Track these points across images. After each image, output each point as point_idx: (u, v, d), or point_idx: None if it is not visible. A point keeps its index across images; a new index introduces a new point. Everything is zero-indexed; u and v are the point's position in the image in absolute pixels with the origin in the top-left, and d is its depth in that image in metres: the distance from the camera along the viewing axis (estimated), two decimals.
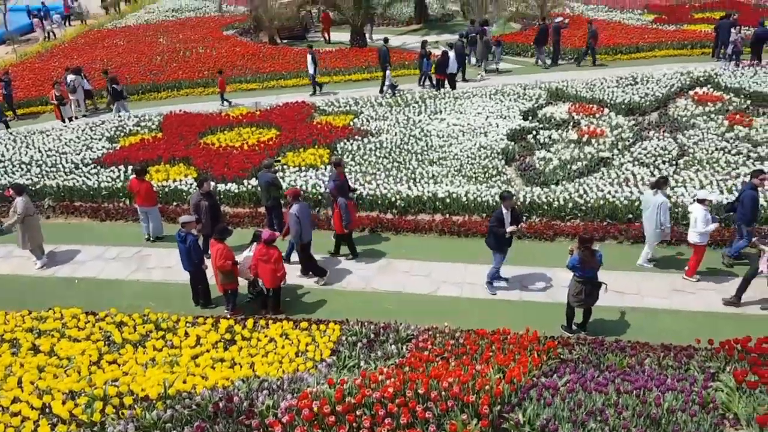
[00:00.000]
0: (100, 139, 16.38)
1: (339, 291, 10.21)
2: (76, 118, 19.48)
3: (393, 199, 12.36)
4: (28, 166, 14.85)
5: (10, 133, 17.55)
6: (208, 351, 8.31)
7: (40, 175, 14.34)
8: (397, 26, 30.72)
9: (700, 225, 9.51)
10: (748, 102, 16.36)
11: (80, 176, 14.07)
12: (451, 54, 19.48)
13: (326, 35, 28.19)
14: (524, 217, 11.33)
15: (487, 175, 13.16)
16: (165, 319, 9.14)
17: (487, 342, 8.11)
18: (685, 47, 22.80)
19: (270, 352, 8.21)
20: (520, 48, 24.21)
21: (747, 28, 22.78)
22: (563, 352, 7.99)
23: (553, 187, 12.45)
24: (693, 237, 9.71)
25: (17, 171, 14.66)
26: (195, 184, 13.00)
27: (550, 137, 14.81)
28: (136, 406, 7.05)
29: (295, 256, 10.72)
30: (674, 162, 13.31)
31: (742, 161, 13.04)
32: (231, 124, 16.98)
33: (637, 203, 11.48)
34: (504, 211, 9.44)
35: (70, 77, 19.56)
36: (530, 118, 16.39)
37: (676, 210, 11.10)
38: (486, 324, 8.69)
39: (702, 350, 7.90)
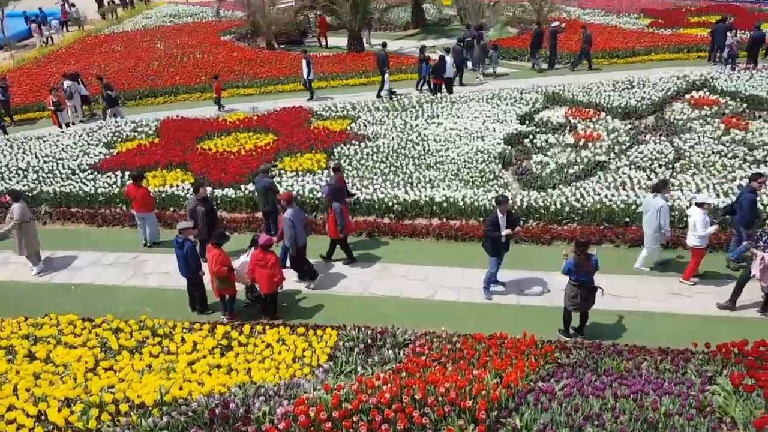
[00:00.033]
0: (97, 145, 16.36)
1: (336, 296, 10.20)
2: (73, 123, 19.48)
3: (390, 203, 12.37)
4: (25, 172, 14.83)
5: (7, 139, 17.53)
6: (204, 357, 8.30)
7: (36, 181, 14.32)
8: (394, 31, 30.80)
9: (699, 228, 9.53)
10: (744, 105, 16.42)
11: (77, 182, 14.05)
12: (448, 58, 19.57)
13: (323, 40, 28.25)
14: (521, 221, 11.34)
15: (484, 179, 13.18)
16: (162, 325, 9.12)
17: (484, 346, 8.10)
18: (681, 51, 22.88)
19: (267, 357, 8.20)
20: (517, 52, 24.28)
21: (743, 31, 22.88)
22: (560, 357, 7.98)
23: (550, 191, 12.47)
24: (692, 240, 9.72)
25: (14, 177, 14.64)
26: (192, 189, 12.98)
27: (546, 141, 14.84)
28: (132, 413, 7.03)
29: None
30: (671, 165, 13.33)
31: (738, 164, 13.07)
32: (228, 129, 16.99)
33: (633, 207, 11.50)
34: (499, 215, 9.44)
35: (67, 83, 19.57)
36: (527, 122, 16.43)
37: (673, 213, 11.11)
38: (483, 328, 8.68)
39: (699, 354, 7.89)
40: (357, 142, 15.25)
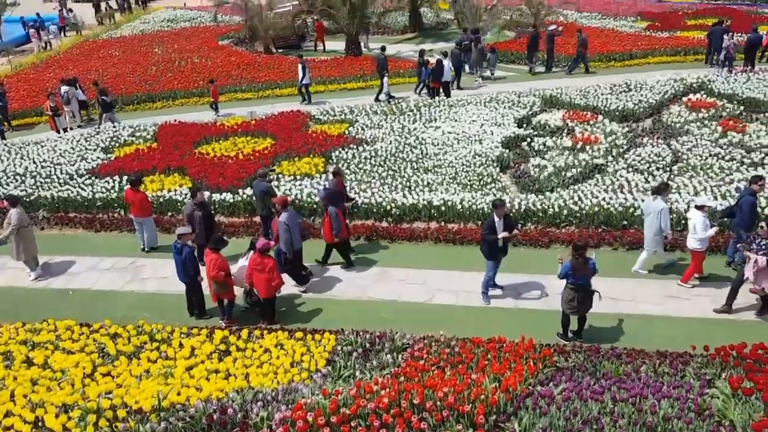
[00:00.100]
0: (94, 150, 16.36)
1: (334, 300, 10.19)
2: (71, 128, 19.47)
3: (388, 207, 12.37)
4: (23, 177, 14.82)
5: (5, 144, 17.52)
6: (202, 362, 8.27)
7: (34, 186, 14.31)
8: (391, 35, 30.83)
9: (699, 231, 9.54)
10: (742, 108, 16.46)
11: (75, 187, 14.04)
12: (446, 62, 19.59)
13: (320, 44, 28.27)
14: (519, 225, 11.34)
15: (482, 182, 13.18)
16: (159, 330, 9.10)
17: (482, 350, 8.08)
18: (678, 54, 22.93)
19: (265, 362, 8.18)
20: (514, 56, 24.32)
21: (740, 34, 22.94)
22: (559, 360, 7.98)
23: (547, 194, 12.47)
24: (692, 243, 9.73)
25: (12, 182, 14.63)
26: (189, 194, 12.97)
27: (544, 144, 14.85)
28: (129, 419, 7.01)
29: None
30: (668, 168, 13.35)
31: (735, 167, 13.09)
32: (226, 133, 16.99)
33: (631, 210, 11.51)
34: (496, 219, 9.44)
35: (64, 88, 19.56)
36: (525, 125, 16.44)
37: (671, 216, 11.10)
38: (482, 332, 8.67)
39: (698, 357, 7.89)
40: (355, 146, 15.26)
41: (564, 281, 8.55)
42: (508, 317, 9.41)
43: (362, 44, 26.93)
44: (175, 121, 18.30)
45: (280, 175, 13.97)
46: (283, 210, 10.09)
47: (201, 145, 16.23)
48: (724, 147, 14.02)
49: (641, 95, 17.63)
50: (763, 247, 8.70)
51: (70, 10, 36.78)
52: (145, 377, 7.97)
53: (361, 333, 8.80)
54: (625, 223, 11.48)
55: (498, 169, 13.80)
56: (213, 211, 12.20)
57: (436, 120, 17.00)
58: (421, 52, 20.68)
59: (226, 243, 9.84)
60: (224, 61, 25.58)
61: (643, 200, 11.35)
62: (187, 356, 8.43)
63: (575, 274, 8.30)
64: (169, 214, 13.12)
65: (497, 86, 20.85)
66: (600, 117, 16.46)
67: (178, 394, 7.40)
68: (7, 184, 14.52)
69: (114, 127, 18.19)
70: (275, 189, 12.24)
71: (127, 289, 10.78)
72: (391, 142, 15.52)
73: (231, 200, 13.07)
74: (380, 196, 12.63)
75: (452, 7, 31.21)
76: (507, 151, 14.73)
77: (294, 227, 10.04)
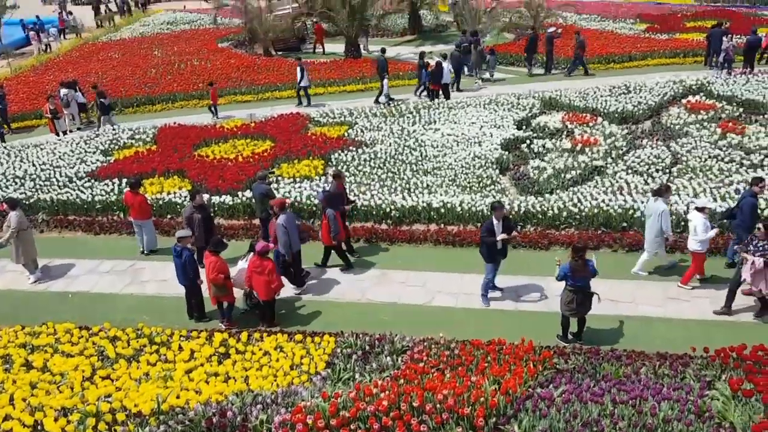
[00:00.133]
0: (94, 153, 16.37)
1: (334, 302, 10.18)
2: (71, 131, 19.48)
3: (388, 209, 12.36)
4: (22, 180, 14.83)
5: (4, 147, 17.53)
6: (202, 365, 8.26)
7: (33, 189, 14.31)
8: (391, 37, 30.88)
9: (700, 233, 9.53)
10: (741, 110, 16.46)
11: (74, 190, 14.04)
12: (446, 64, 19.62)
13: (320, 46, 28.29)
14: (519, 227, 11.33)
15: (481, 184, 13.19)
16: (159, 333, 9.09)
17: (482, 353, 8.07)
18: (677, 56, 22.95)
19: (264, 365, 8.17)
20: (514, 58, 24.34)
21: (739, 36, 22.96)
22: (559, 362, 7.96)
23: (547, 196, 12.47)
24: (693, 245, 9.72)
25: (11, 185, 14.64)
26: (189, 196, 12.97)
27: (544, 146, 14.86)
28: (129, 422, 7.00)
29: None
30: (667, 170, 13.35)
31: (735, 169, 13.09)
32: (226, 136, 17.00)
33: (631, 211, 11.50)
34: (495, 221, 9.43)
35: (63, 91, 19.58)
36: (524, 127, 16.45)
37: (671, 218, 11.10)
38: (481, 334, 8.66)
39: (697, 358, 7.88)
40: (354, 148, 15.27)
41: (563, 283, 8.55)
42: (507, 319, 9.40)
43: (362, 46, 26.96)
44: (174, 123, 18.32)
45: (279, 178, 13.97)
46: (281, 212, 10.09)
47: (200, 148, 16.24)
48: (724, 149, 14.02)
49: (640, 97, 17.64)
50: (761, 248, 8.70)
51: (70, 13, 36.84)
52: (145, 380, 7.96)
53: (360, 335, 8.79)
54: (625, 224, 11.47)
55: (497, 171, 13.80)
56: (212, 214, 12.19)
57: (435, 122, 17.02)
58: (421, 54, 20.72)
59: (226, 246, 9.83)
60: (224, 64, 25.61)
61: (642, 202, 11.35)
62: (187, 359, 8.42)
63: (575, 276, 8.29)
64: (169, 216, 13.11)
65: (496, 88, 20.87)
66: (599, 119, 16.47)
67: (178, 397, 7.38)
68: (7, 187, 14.52)
69: (113, 129, 18.21)
70: (275, 191, 12.23)
71: (126, 292, 10.77)
72: (390, 144, 15.52)
73: (230, 203, 13.07)
74: (380, 199, 12.62)
75: (452, 10, 31.25)
76: (506, 153, 14.73)
77: (292, 229, 10.04)
